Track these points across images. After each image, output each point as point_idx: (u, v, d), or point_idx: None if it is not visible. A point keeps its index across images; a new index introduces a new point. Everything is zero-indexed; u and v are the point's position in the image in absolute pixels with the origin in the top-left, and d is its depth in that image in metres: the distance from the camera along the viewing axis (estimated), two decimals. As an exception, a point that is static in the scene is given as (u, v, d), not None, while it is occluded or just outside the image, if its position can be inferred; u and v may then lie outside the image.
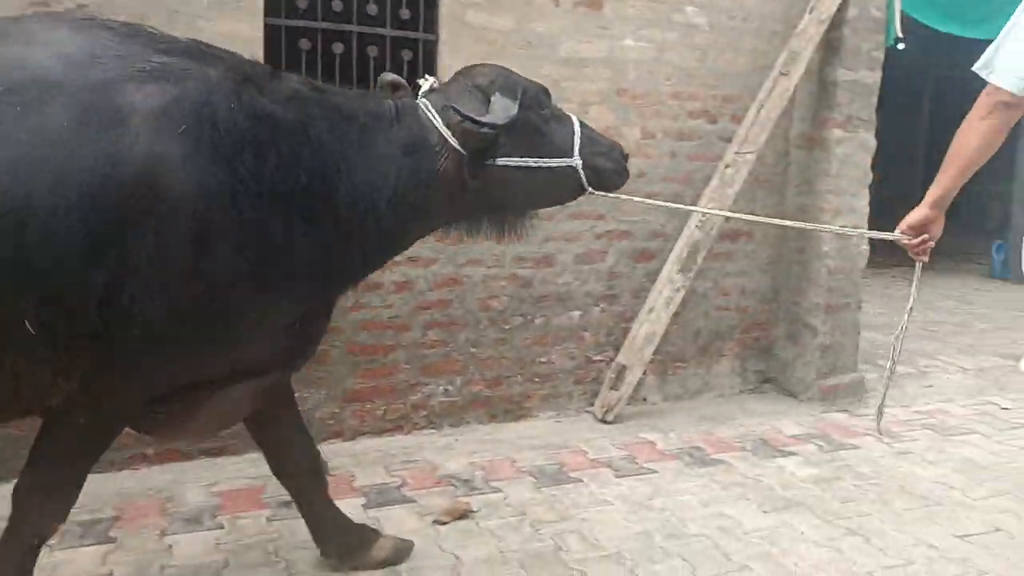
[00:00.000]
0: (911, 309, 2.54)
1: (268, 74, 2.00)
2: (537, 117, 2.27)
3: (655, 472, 3.36)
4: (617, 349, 4.02)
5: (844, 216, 4.21)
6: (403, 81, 2.33)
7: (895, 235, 2.52)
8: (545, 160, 2.27)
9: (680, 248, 4.00)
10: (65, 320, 1.71)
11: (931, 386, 4.56)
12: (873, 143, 4.32)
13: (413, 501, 3.03)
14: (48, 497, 1.96)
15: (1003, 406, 4.34)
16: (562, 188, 2.37)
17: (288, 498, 2.52)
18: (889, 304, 6.56)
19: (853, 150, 4.26)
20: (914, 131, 12.74)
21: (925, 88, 12.47)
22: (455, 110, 2.11)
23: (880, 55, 4.31)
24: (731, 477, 3.32)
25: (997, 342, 5.44)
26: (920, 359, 4.95)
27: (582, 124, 2.36)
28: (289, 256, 1.96)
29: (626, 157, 2.46)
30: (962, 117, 2.29)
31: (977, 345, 5.34)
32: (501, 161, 2.19)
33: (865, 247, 4.30)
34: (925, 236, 2.43)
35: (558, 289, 3.93)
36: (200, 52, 1.91)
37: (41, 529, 1.98)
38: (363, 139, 2.08)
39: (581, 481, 3.24)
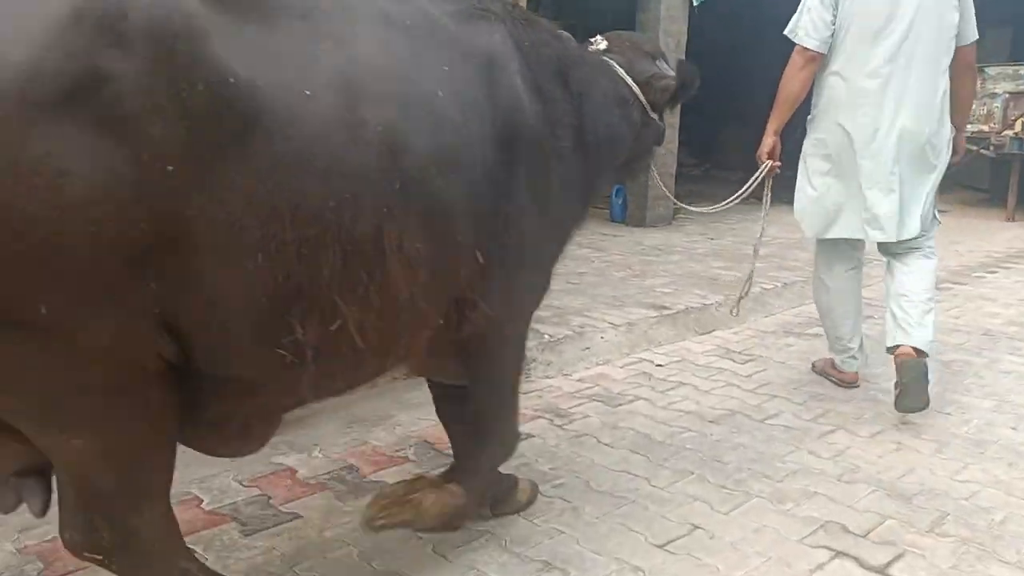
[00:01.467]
0: (765, 216, 3.61)
1: (525, 11, 2.21)
2: None
3: (298, 517, 2.53)
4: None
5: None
6: None
7: (766, 164, 3.57)
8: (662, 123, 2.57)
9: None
10: (486, 244, 1.87)
11: (587, 348, 4.29)
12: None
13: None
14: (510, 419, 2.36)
15: (657, 363, 4.22)
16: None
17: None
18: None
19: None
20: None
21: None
22: (683, 64, 2.51)
23: None
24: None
25: (636, 291, 5.44)
26: (572, 317, 4.70)
27: None
28: (578, 183, 2.22)
29: None
30: None
31: (620, 296, 5.27)
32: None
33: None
34: (778, 164, 3.60)
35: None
36: None
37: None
38: (595, 85, 2.27)
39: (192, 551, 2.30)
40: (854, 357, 3.78)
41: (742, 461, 3.01)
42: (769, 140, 3.58)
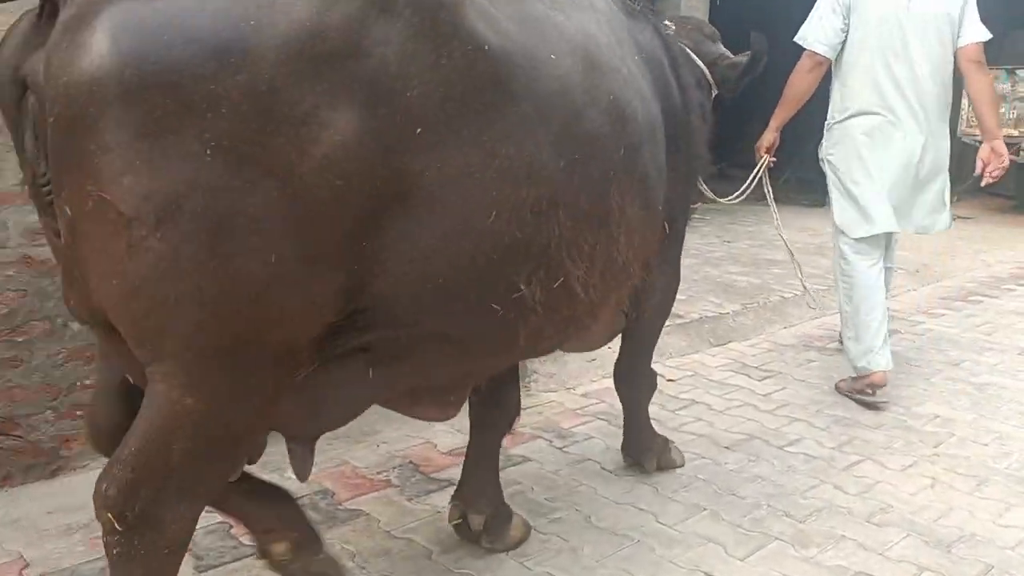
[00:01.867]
0: (772, 202, 3.80)
1: (650, 7, 2.32)
2: None
3: (261, 551, 2.26)
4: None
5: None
6: None
7: (766, 159, 3.76)
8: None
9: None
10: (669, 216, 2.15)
11: (593, 360, 4.00)
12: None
13: None
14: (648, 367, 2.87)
15: (668, 377, 3.93)
16: None
17: None
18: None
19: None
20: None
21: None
22: (756, 37, 2.61)
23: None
24: (371, 542, 2.35)
25: (647, 297, 5.14)
26: (578, 324, 4.40)
27: None
28: (702, 159, 2.49)
29: None
30: None
31: (630, 302, 4.97)
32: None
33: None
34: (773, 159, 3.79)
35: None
36: None
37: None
38: (686, 68, 2.43)
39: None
40: (879, 354, 3.52)
41: (760, 496, 2.72)
42: (770, 136, 3.79)
